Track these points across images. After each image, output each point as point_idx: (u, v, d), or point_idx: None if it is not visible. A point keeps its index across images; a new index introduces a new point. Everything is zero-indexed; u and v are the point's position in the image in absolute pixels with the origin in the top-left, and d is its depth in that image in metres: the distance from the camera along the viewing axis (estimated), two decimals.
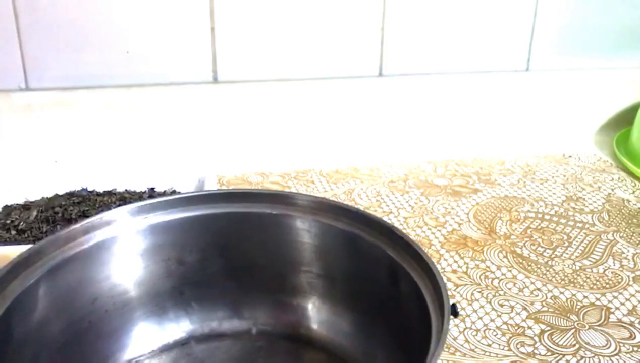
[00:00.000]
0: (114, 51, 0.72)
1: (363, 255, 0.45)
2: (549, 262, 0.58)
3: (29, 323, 0.39)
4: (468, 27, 0.80)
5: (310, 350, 0.46)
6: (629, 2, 0.83)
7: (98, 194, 0.63)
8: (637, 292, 0.54)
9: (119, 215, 0.45)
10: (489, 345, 0.47)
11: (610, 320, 0.50)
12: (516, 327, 0.49)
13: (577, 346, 0.47)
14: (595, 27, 0.84)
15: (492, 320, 0.50)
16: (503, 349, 0.47)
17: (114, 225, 0.44)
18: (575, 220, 0.65)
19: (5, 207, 0.61)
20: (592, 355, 0.47)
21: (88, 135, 0.72)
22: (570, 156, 0.80)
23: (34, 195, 0.63)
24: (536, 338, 0.48)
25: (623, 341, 0.48)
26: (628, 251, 0.60)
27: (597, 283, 0.55)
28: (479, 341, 0.48)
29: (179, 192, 0.64)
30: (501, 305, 0.52)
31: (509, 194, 0.70)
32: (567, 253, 0.59)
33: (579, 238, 0.62)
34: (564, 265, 0.57)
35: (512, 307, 0.52)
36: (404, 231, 0.62)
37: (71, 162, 0.72)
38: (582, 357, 0.46)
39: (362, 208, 0.66)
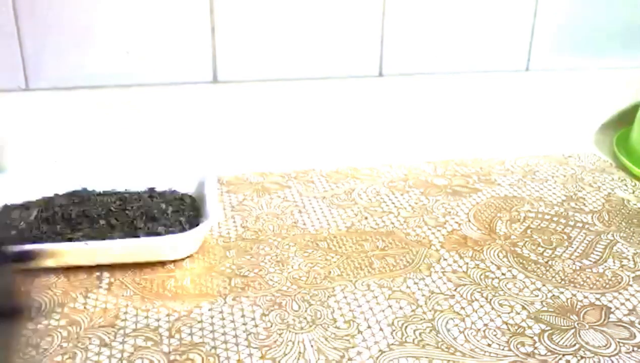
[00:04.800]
0: (114, 51, 0.72)
1: None
2: (549, 262, 0.58)
3: None
4: (468, 27, 0.80)
5: None
6: (629, 2, 0.83)
7: (98, 194, 0.63)
8: (637, 292, 0.54)
9: None
10: (489, 345, 0.47)
11: (610, 320, 0.50)
12: (516, 327, 0.49)
13: (577, 346, 0.47)
14: (595, 27, 0.84)
15: (492, 320, 0.50)
16: (503, 349, 0.47)
17: None
18: (575, 220, 0.65)
19: (5, 207, 0.61)
20: (592, 355, 0.47)
21: (88, 135, 0.72)
22: (570, 156, 0.80)
23: (34, 195, 0.63)
24: (536, 338, 0.48)
25: (623, 341, 0.48)
26: (628, 251, 0.60)
27: (597, 283, 0.55)
28: (478, 341, 0.48)
29: (178, 193, 0.64)
30: (501, 305, 0.52)
31: (509, 194, 0.70)
32: (567, 253, 0.59)
33: (579, 238, 0.62)
34: (564, 265, 0.57)
35: (512, 307, 0.52)
36: (404, 231, 0.62)
37: (71, 162, 0.72)
38: (582, 357, 0.46)
39: (362, 208, 0.66)
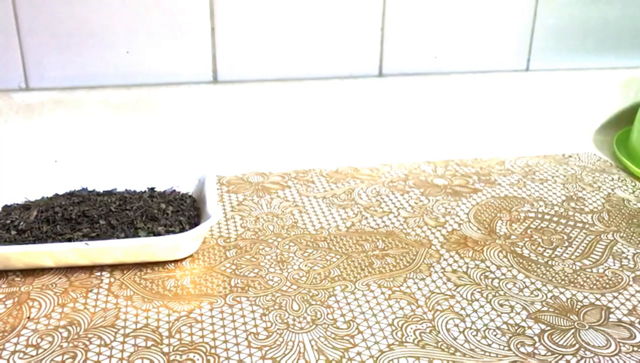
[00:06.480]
0: (114, 51, 0.72)
1: None
2: (549, 262, 0.58)
3: None
4: (468, 27, 0.80)
5: None
6: (629, 2, 0.83)
7: (98, 194, 0.63)
8: (637, 292, 0.54)
9: None
10: (489, 345, 0.47)
11: (610, 320, 0.50)
12: (516, 327, 0.49)
13: (577, 346, 0.48)
14: (595, 27, 0.84)
15: (492, 320, 0.50)
16: (503, 349, 0.47)
17: None
18: (575, 220, 0.65)
19: (5, 207, 0.61)
20: (592, 355, 0.47)
21: (88, 135, 0.72)
22: (570, 156, 0.80)
23: (34, 195, 0.63)
24: (536, 338, 0.48)
25: (623, 341, 0.48)
26: (628, 251, 0.60)
27: (597, 283, 0.55)
28: (479, 341, 0.48)
29: (178, 193, 0.64)
30: (501, 305, 0.52)
31: (509, 194, 0.70)
32: (567, 253, 0.59)
33: (579, 238, 0.62)
34: (564, 265, 0.57)
35: (512, 307, 0.52)
36: (404, 231, 0.62)
37: (71, 162, 0.72)
38: (582, 357, 0.46)
39: (362, 208, 0.66)
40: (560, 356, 0.46)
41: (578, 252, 0.59)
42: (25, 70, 0.71)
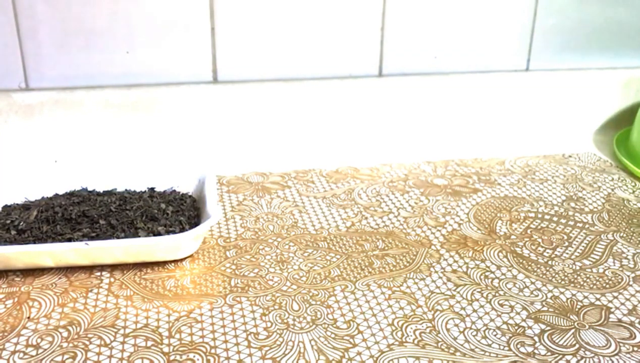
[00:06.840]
0: (114, 51, 0.72)
1: None
2: (549, 262, 0.58)
3: None
4: (468, 27, 0.80)
5: None
6: (629, 2, 0.83)
7: (98, 194, 0.63)
8: (637, 292, 0.54)
9: None
10: (489, 345, 0.47)
11: (610, 320, 0.50)
12: (516, 327, 0.49)
13: (577, 346, 0.47)
14: (595, 27, 0.84)
15: (492, 320, 0.50)
16: (503, 349, 0.47)
17: None
18: (575, 220, 0.65)
19: (5, 207, 0.61)
20: (592, 355, 0.47)
21: (88, 135, 0.72)
22: (570, 156, 0.80)
23: (34, 195, 0.63)
24: (536, 338, 0.48)
25: (623, 341, 0.48)
26: (628, 251, 0.60)
27: (597, 283, 0.55)
28: (479, 341, 0.48)
29: (178, 193, 0.64)
30: (501, 305, 0.52)
31: (509, 194, 0.70)
32: (567, 253, 0.59)
33: (579, 238, 0.62)
34: (564, 265, 0.57)
35: (512, 307, 0.52)
36: (404, 231, 0.62)
37: (71, 162, 0.72)
38: (582, 357, 0.46)
39: (362, 208, 0.66)
40: (560, 356, 0.46)
41: (578, 252, 0.59)
42: (25, 70, 0.71)
